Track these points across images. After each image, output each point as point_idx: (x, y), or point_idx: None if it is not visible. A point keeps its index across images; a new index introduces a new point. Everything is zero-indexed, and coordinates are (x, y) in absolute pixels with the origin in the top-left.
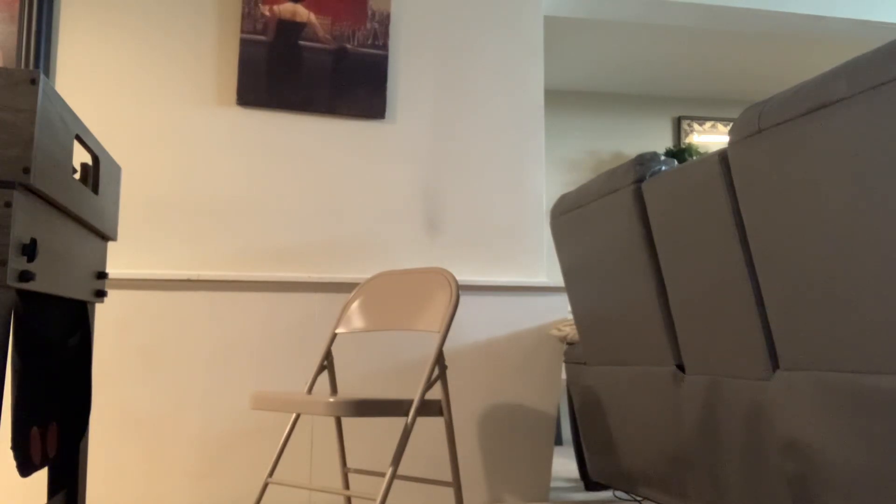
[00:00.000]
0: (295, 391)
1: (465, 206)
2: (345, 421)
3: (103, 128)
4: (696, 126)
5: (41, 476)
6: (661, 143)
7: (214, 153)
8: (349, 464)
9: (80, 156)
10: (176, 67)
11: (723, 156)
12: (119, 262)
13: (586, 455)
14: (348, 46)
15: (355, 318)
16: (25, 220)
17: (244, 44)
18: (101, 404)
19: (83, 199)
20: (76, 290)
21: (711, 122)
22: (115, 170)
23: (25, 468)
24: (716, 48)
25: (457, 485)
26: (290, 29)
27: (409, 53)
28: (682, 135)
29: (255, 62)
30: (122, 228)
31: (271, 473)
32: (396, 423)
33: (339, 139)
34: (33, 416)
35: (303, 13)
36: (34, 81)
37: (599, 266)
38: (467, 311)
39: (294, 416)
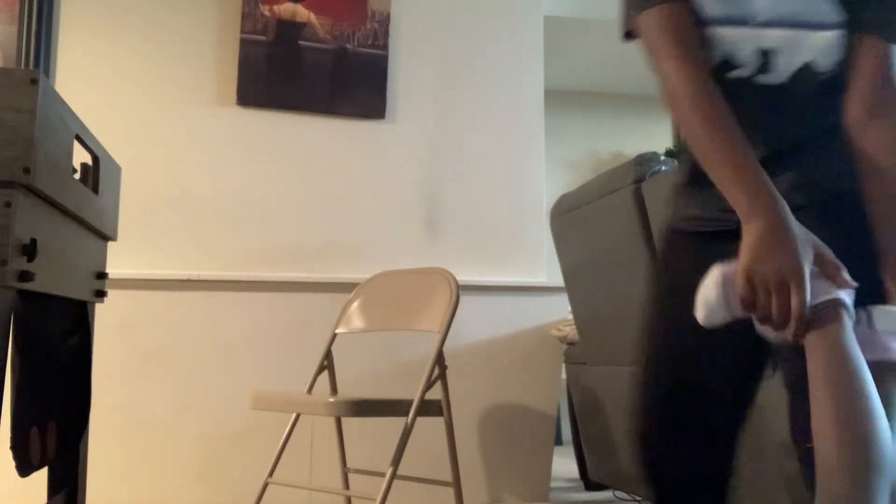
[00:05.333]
0: (295, 391)
1: (465, 206)
2: (345, 421)
3: (103, 128)
4: None
5: (41, 476)
6: (661, 143)
7: (214, 153)
8: (349, 464)
9: (80, 156)
10: (176, 67)
11: None
12: (119, 262)
13: (586, 455)
14: (348, 46)
15: (355, 318)
16: (25, 220)
17: (244, 44)
18: (101, 404)
19: (83, 199)
20: (76, 290)
21: None
22: (115, 170)
23: (24, 468)
24: None
25: (457, 485)
26: (290, 29)
27: (409, 53)
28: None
29: (255, 62)
30: (122, 228)
31: (271, 473)
32: (396, 423)
33: (339, 139)
34: (32, 416)
35: (303, 13)
36: (34, 81)
37: (599, 266)
38: (467, 311)
39: (294, 416)
